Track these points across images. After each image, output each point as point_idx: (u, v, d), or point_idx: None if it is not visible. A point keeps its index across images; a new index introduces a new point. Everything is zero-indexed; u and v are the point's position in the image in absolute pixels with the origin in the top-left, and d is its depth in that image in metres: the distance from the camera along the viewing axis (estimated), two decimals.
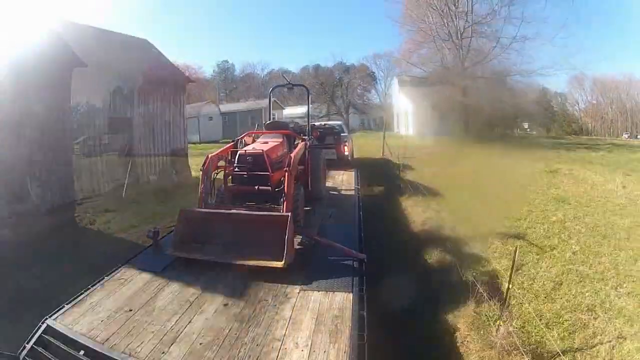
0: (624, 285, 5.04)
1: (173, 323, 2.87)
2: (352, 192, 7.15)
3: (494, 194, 8.40)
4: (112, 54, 11.71)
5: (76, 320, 2.94)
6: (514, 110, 18.94)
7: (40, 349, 2.77)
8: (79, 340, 2.70)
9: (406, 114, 22.87)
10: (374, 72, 33.73)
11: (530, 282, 5.27)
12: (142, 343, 2.64)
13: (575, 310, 4.63)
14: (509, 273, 4.27)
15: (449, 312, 4.67)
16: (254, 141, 5.81)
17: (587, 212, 7.73)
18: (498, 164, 11.93)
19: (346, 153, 10.84)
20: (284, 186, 4.29)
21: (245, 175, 4.73)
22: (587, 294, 4.93)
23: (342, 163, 10.13)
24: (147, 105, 12.25)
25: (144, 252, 4.26)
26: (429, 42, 19.46)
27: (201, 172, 4.47)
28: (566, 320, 4.47)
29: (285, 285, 3.37)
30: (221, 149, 5.10)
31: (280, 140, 5.62)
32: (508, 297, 4.35)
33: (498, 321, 4.24)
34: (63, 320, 2.94)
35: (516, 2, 19.69)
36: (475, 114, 17.43)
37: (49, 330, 2.87)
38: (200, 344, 2.63)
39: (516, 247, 4.26)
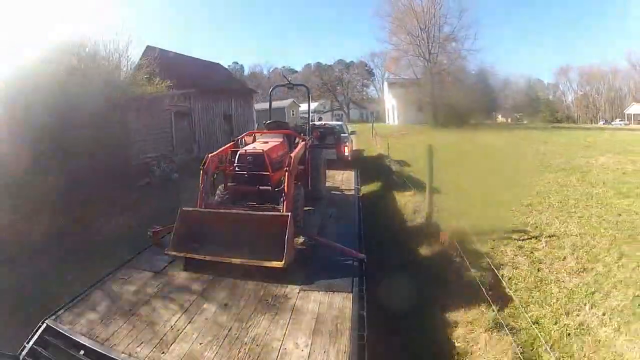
0: None
1: (173, 323, 2.87)
2: (352, 192, 7.15)
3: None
4: (214, 79, 19.41)
5: (76, 320, 2.94)
6: (488, 103, 25.84)
7: (40, 349, 2.77)
8: (79, 340, 2.70)
9: (393, 108, 29.66)
10: (372, 69, 37.32)
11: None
12: (142, 343, 2.64)
13: None
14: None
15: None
16: (254, 141, 5.80)
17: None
18: (446, 139, 18.10)
19: (346, 153, 10.83)
20: (284, 186, 4.29)
21: (245, 175, 4.72)
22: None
23: (343, 163, 10.12)
24: (236, 109, 19.10)
25: (144, 252, 4.26)
26: (407, 56, 26.84)
27: (201, 172, 4.47)
28: None
29: (285, 285, 3.36)
30: (221, 148, 5.09)
31: (280, 140, 5.62)
32: (430, 189, 6.35)
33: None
34: (63, 320, 2.94)
35: (471, 25, 26.66)
36: (443, 108, 23.76)
37: (49, 330, 2.87)
38: (200, 344, 2.62)
39: (429, 146, 6.34)
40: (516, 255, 4.98)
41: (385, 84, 32.24)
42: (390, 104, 30.73)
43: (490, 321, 3.75)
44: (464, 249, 5.04)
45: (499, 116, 30.33)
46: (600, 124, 32.21)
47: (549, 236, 5.36)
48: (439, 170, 6.69)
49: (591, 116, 36.47)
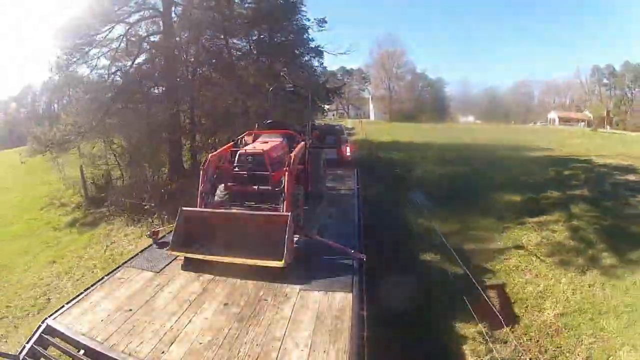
0: None
1: (173, 323, 2.87)
2: (352, 192, 7.15)
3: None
4: None
5: (76, 320, 2.94)
6: (438, 107, 36.96)
7: (40, 349, 2.77)
8: (79, 340, 2.70)
9: (372, 110, 42.42)
10: (368, 75, 43.62)
11: None
12: (142, 343, 2.64)
13: None
14: None
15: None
16: (254, 141, 5.79)
17: None
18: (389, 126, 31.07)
19: (347, 153, 10.79)
20: (284, 186, 4.29)
21: (245, 175, 4.72)
22: None
23: (343, 163, 10.10)
24: None
25: (143, 252, 4.26)
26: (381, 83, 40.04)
27: (201, 172, 4.46)
28: None
29: (285, 285, 3.36)
30: (221, 148, 5.09)
31: (280, 140, 5.61)
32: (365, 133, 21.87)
33: None
34: (63, 320, 2.94)
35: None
36: (397, 111, 37.26)
37: (49, 330, 2.87)
38: (200, 343, 2.62)
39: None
40: None
41: (370, 96, 45.37)
42: (371, 107, 44.20)
43: None
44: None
45: (471, 117, 36.09)
46: (538, 124, 38.37)
47: None
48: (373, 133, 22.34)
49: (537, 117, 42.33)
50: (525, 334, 5.19)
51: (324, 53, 16.28)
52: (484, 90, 36.29)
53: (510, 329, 5.14)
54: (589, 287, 6.09)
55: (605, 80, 32.78)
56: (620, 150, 16.18)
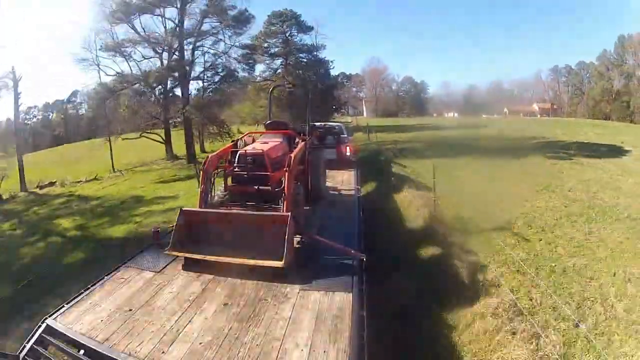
0: None
1: (173, 323, 2.87)
2: (352, 192, 7.15)
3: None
4: None
5: (76, 320, 2.94)
6: (416, 104, 46.13)
7: (40, 349, 2.77)
8: (79, 340, 2.70)
9: (365, 109, 49.86)
10: (364, 79, 50.64)
11: None
12: (142, 343, 2.64)
13: None
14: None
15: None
16: (254, 141, 5.79)
17: None
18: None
19: (348, 154, 10.76)
20: (284, 186, 4.29)
21: (245, 175, 4.72)
22: None
23: (343, 163, 10.08)
24: None
25: (143, 252, 4.26)
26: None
27: (201, 172, 4.46)
28: None
29: (285, 285, 3.36)
30: (221, 148, 5.09)
31: (280, 140, 5.61)
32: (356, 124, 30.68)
33: None
34: (63, 320, 2.94)
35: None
36: (382, 110, 45.72)
37: (49, 330, 2.87)
38: (200, 343, 2.62)
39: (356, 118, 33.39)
40: None
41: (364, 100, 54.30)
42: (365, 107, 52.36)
43: None
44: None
45: (454, 114, 40.79)
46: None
47: None
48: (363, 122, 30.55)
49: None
50: None
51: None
52: (463, 89, 42.44)
53: None
54: None
55: (563, 78, 38.00)
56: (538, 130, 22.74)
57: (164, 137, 20.56)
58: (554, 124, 28.14)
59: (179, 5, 18.70)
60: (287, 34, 20.52)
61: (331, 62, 26.57)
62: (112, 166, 19.72)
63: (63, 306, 3.13)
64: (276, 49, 20.83)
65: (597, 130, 22.81)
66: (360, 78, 47.83)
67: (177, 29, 19.15)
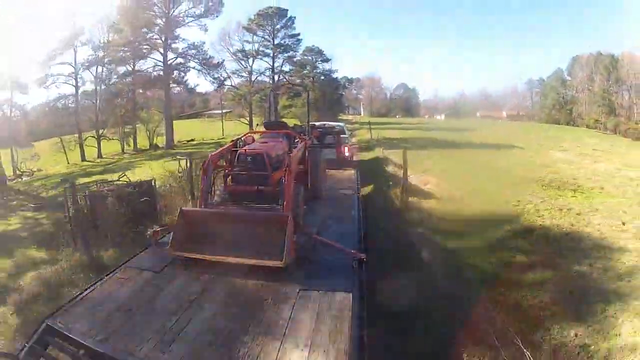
0: None
1: (173, 323, 2.86)
2: (352, 192, 7.15)
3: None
4: None
5: (76, 320, 2.93)
6: (406, 105, 50.27)
7: (40, 349, 2.77)
8: (79, 340, 2.70)
9: (362, 110, 52.63)
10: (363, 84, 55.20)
11: None
12: (142, 343, 2.64)
13: None
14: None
15: None
16: (254, 141, 5.79)
17: None
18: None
19: (347, 154, 10.77)
20: (284, 186, 4.29)
21: (245, 175, 4.72)
22: None
23: (343, 163, 10.09)
24: None
25: (143, 252, 4.26)
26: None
27: (201, 172, 4.46)
28: None
29: (285, 285, 3.36)
30: (221, 148, 5.09)
31: (280, 140, 5.61)
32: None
33: None
34: (63, 320, 2.94)
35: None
36: (377, 110, 48.12)
37: (49, 330, 2.87)
38: (200, 343, 2.62)
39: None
40: None
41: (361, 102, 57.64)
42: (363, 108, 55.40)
43: None
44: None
45: (442, 115, 45.87)
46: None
47: None
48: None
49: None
50: None
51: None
52: (452, 95, 49.00)
53: None
54: None
55: (536, 89, 41.98)
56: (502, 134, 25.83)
57: None
58: (510, 127, 33.62)
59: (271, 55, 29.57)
60: (314, 62, 32.96)
61: (339, 79, 36.00)
62: None
63: (63, 306, 3.13)
64: (305, 71, 32.90)
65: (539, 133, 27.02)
66: (361, 83, 52.75)
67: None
